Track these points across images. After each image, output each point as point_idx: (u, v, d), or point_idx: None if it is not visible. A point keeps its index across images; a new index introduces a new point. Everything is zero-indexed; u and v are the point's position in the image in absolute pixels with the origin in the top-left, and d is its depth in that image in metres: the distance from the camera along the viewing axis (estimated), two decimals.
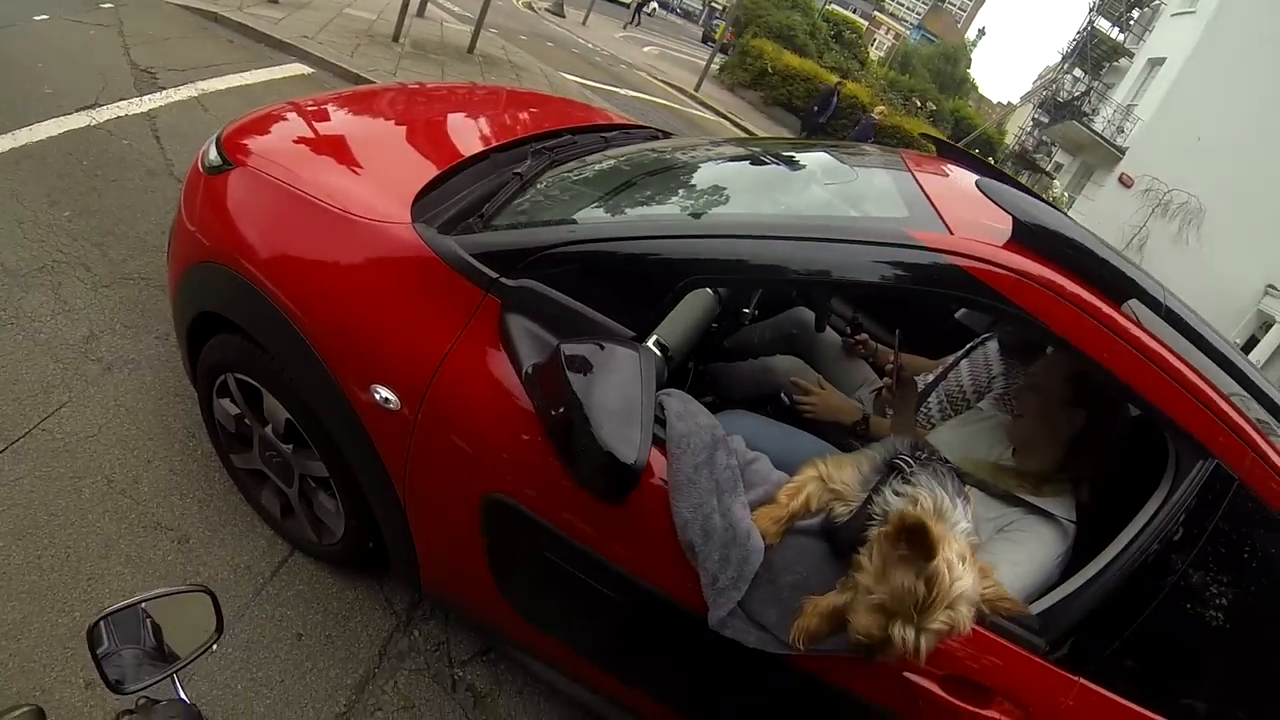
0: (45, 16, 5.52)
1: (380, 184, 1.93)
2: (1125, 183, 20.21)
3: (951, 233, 1.54)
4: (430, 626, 2.33)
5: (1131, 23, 24.08)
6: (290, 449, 2.06)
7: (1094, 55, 23.73)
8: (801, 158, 2.48)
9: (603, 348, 1.43)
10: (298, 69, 6.63)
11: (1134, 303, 1.50)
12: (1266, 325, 18.74)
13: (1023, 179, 19.38)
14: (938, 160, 2.42)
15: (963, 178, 2.12)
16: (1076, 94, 23.20)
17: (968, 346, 2.53)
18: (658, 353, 1.75)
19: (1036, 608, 1.57)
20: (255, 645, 2.06)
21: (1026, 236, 1.51)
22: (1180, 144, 18.85)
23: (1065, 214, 1.60)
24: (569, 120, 2.83)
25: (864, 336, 2.68)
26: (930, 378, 2.49)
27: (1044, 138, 25.93)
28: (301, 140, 2.17)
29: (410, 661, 2.22)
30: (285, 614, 2.17)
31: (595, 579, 1.62)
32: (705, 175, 2.29)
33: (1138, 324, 1.47)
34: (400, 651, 2.23)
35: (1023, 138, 27.87)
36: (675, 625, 1.59)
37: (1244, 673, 1.64)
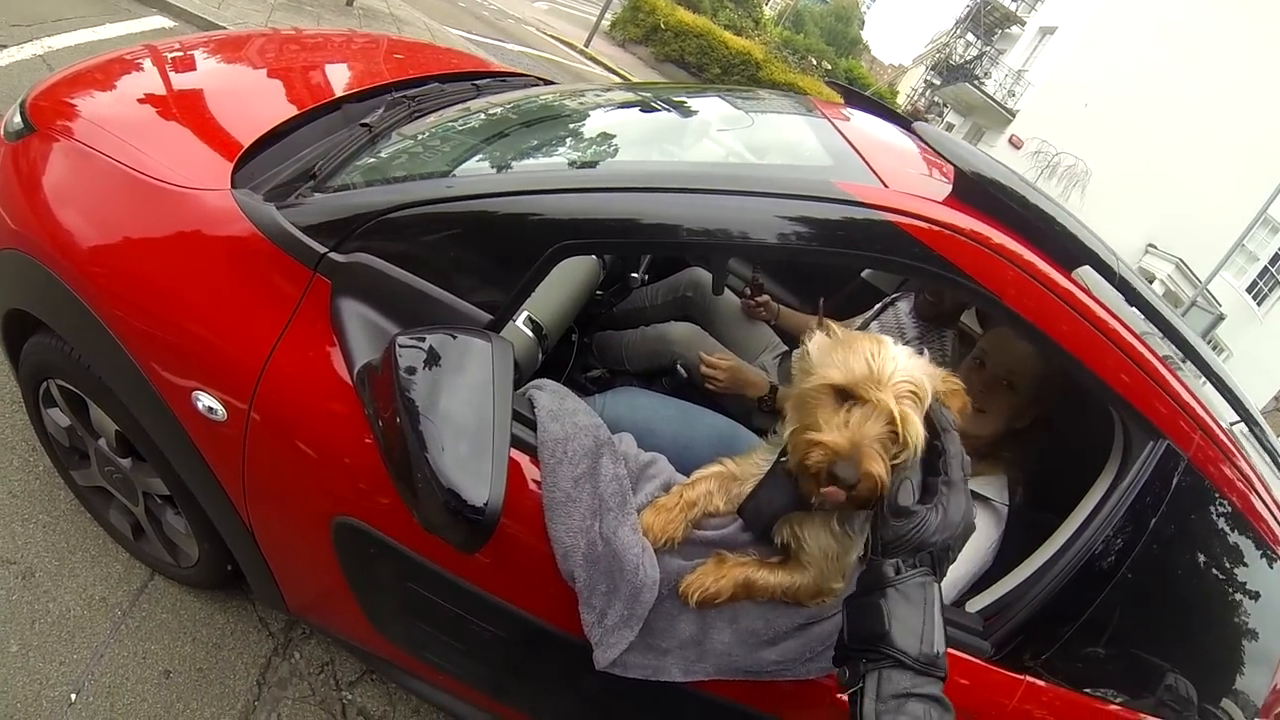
0: None
1: (204, 144, 1.63)
2: (1015, 144, 21.05)
3: (886, 186, 1.33)
4: (312, 646, 2.11)
5: None
6: (128, 464, 1.79)
7: (987, 21, 24.46)
8: (698, 103, 2.22)
9: (454, 338, 1.16)
10: (158, 22, 6.05)
11: (1086, 269, 1.35)
12: (1147, 282, 19.88)
13: None
14: (850, 108, 2.24)
15: (884, 126, 1.95)
16: (969, 58, 23.90)
17: (877, 307, 2.43)
18: (529, 333, 1.52)
19: (977, 604, 1.46)
20: (118, 690, 1.82)
21: (969, 191, 1.32)
22: (1069, 109, 19.76)
23: (1007, 166, 1.43)
24: (438, 67, 2.53)
25: (765, 298, 2.51)
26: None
27: (936, 99, 26.66)
28: (126, 98, 1.84)
29: (293, 689, 2.01)
30: (149, 649, 1.92)
31: (469, 612, 1.40)
32: (587, 125, 2.00)
33: (1089, 293, 1.32)
34: (281, 678, 2.02)
35: (915, 98, 28.54)
36: (568, 658, 1.37)
37: (1190, 651, 1.61)
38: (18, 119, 1.74)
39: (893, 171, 1.41)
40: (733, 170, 1.43)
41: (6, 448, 2.17)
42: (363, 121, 1.73)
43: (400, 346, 1.11)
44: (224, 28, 6.26)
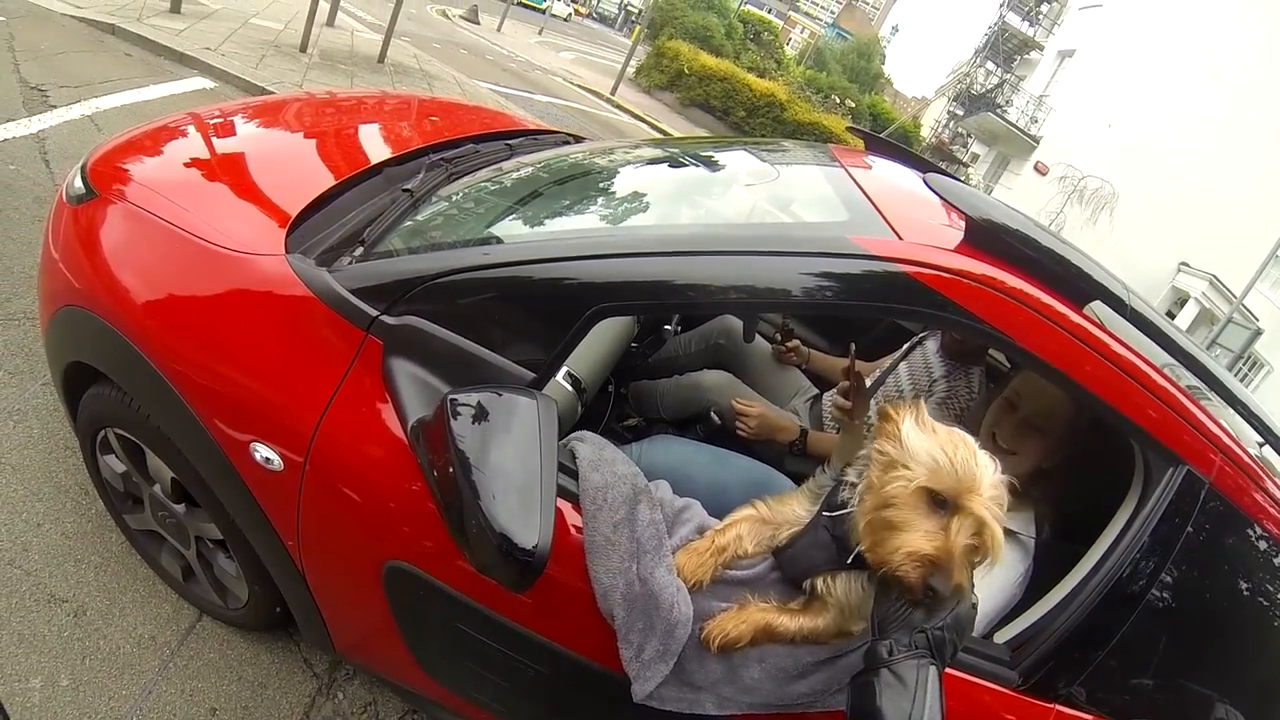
0: None
1: (257, 209, 1.73)
2: (1040, 171, 20.97)
3: (900, 237, 1.39)
4: (355, 687, 2.15)
5: (1041, 16, 24.95)
6: (182, 509, 1.86)
7: (1005, 49, 24.49)
8: (723, 158, 2.31)
9: (500, 396, 1.23)
10: (199, 83, 6.30)
11: (1097, 304, 1.40)
12: (1181, 301, 19.55)
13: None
14: (868, 155, 2.29)
15: (901, 174, 2.00)
16: (990, 86, 23.92)
17: (905, 347, 2.44)
18: (569, 387, 1.59)
19: (1004, 635, 1.48)
20: None
21: (981, 237, 1.38)
22: (1092, 132, 19.65)
23: (1018, 210, 1.48)
24: (473, 127, 2.63)
25: (795, 343, 2.57)
26: (868, 382, 2.38)
27: (960, 129, 26.62)
28: (175, 162, 1.95)
29: None
30: (196, 687, 1.96)
31: (517, 651, 1.44)
32: (618, 183, 2.09)
33: (1101, 328, 1.37)
34: (325, 717, 2.05)
35: (939, 130, 28.55)
36: (607, 693, 1.41)
37: (1225, 678, 1.60)
38: (79, 183, 1.83)
39: (907, 221, 1.47)
40: (756, 231, 1.50)
41: (60, 491, 2.25)
42: (405, 187, 1.81)
43: (452, 404, 1.18)
44: (263, 88, 6.49)
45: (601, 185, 2.08)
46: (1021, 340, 1.34)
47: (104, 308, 1.63)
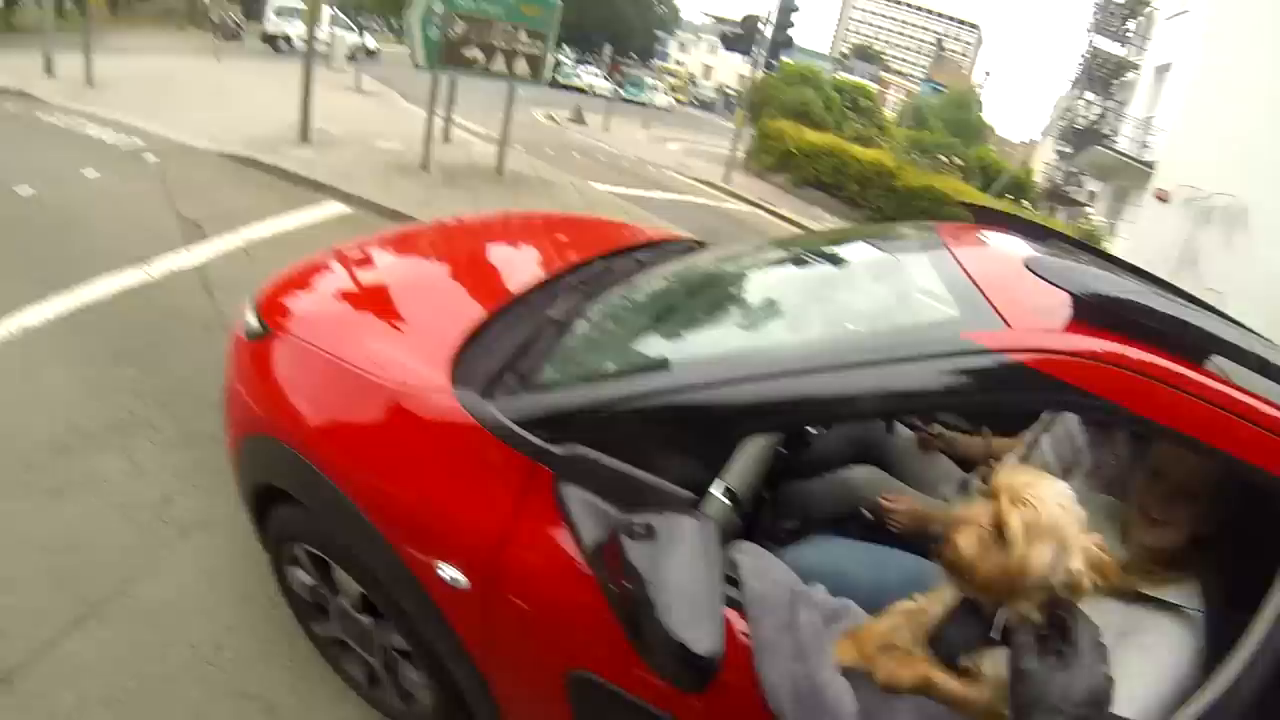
0: (95, 173, 5.96)
1: (418, 343, 1.92)
2: (1161, 198, 19.78)
3: (1009, 325, 1.40)
4: None
5: (1129, 34, 24.04)
6: (370, 621, 2.02)
7: (1101, 74, 23.70)
8: (840, 253, 2.42)
9: (666, 517, 1.35)
10: (337, 209, 6.83)
11: (1218, 358, 1.32)
12: None
13: (1058, 215, 18.77)
14: (977, 231, 2.32)
15: (1008, 252, 2.00)
16: (1094, 118, 23.11)
17: (1046, 419, 2.40)
18: (726, 501, 1.67)
19: None
20: None
21: (1089, 313, 1.33)
22: (1207, 146, 18.38)
23: (1120, 265, 1.43)
24: (600, 243, 2.81)
25: (937, 428, 2.56)
26: (1014, 458, 2.32)
27: (1072, 169, 25.68)
28: (336, 298, 2.20)
29: None
30: None
31: None
32: (746, 294, 2.22)
33: (1228, 382, 1.26)
34: None
35: (1050, 173, 27.64)
36: None
37: None
38: (254, 321, 2.07)
39: (1016, 305, 1.46)
40: (879, 341, 1.54)
41: (249, 598, 2.47)
42: (550, 314, 1.99)
43: (623, 527, 1.32)
44: (395, 210, 7.00)
45: (731, 299, 2.21)
46: (1156, 417, 1.26)
47: (290, 436, 1.84)
